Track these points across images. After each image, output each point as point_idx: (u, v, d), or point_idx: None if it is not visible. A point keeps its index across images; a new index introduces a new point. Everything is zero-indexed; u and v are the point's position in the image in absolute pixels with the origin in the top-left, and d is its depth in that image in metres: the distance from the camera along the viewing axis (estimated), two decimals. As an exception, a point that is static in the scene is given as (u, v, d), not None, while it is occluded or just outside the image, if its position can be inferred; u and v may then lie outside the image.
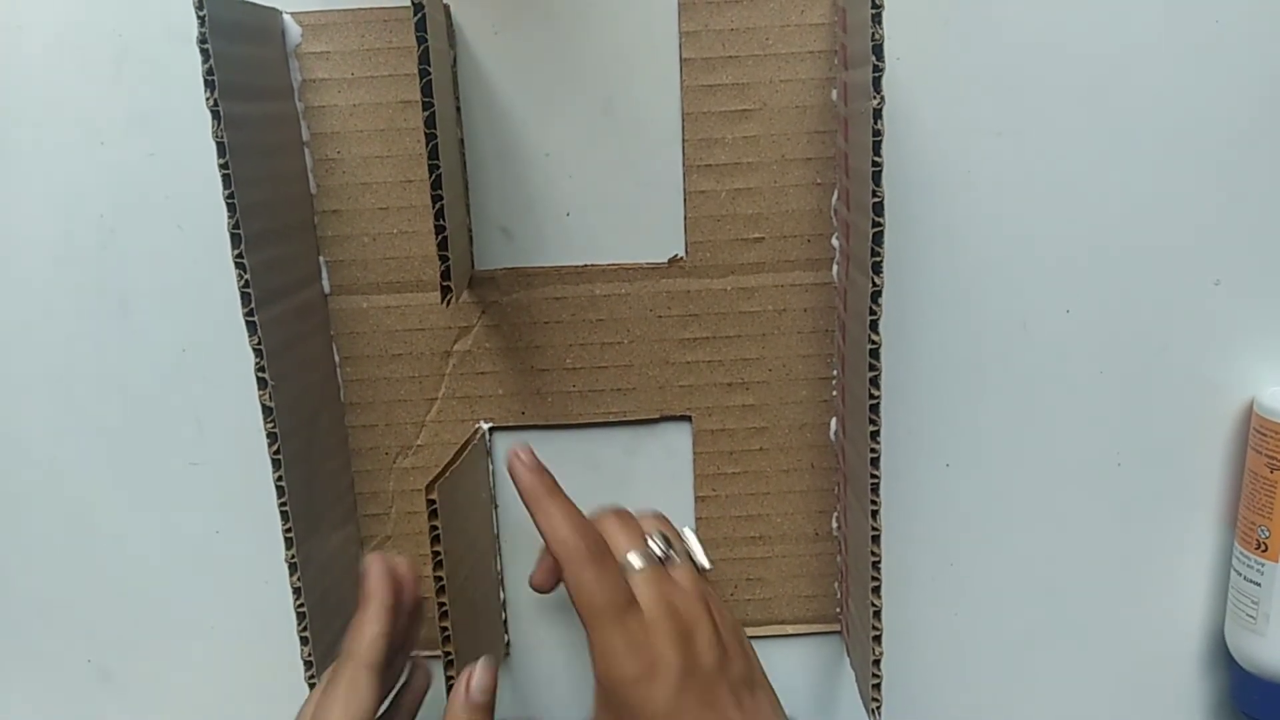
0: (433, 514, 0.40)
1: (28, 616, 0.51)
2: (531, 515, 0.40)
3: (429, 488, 0.40)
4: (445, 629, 0.41)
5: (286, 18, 0.43)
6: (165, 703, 0.53)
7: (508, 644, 0.51)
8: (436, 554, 0.40)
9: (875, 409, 0.39)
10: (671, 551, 0.41)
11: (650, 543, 0.41)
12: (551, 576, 0.42)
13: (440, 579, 0.40)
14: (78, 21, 0.44)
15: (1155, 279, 0.47)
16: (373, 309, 0.47)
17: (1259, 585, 0.47)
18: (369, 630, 0.41)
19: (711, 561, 0.43)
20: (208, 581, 0.51)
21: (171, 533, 0.50)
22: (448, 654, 0.41)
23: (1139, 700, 0.53)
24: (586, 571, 0.38)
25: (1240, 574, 0.48)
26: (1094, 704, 0.53)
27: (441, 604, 0.40)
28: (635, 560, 0.40)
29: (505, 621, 0.51)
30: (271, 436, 0.39)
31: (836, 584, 0.50)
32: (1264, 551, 0.47)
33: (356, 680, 0.40)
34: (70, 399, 0.48)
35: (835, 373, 0.47)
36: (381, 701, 0.40)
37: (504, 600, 0.51)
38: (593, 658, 0.38)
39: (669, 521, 0.44)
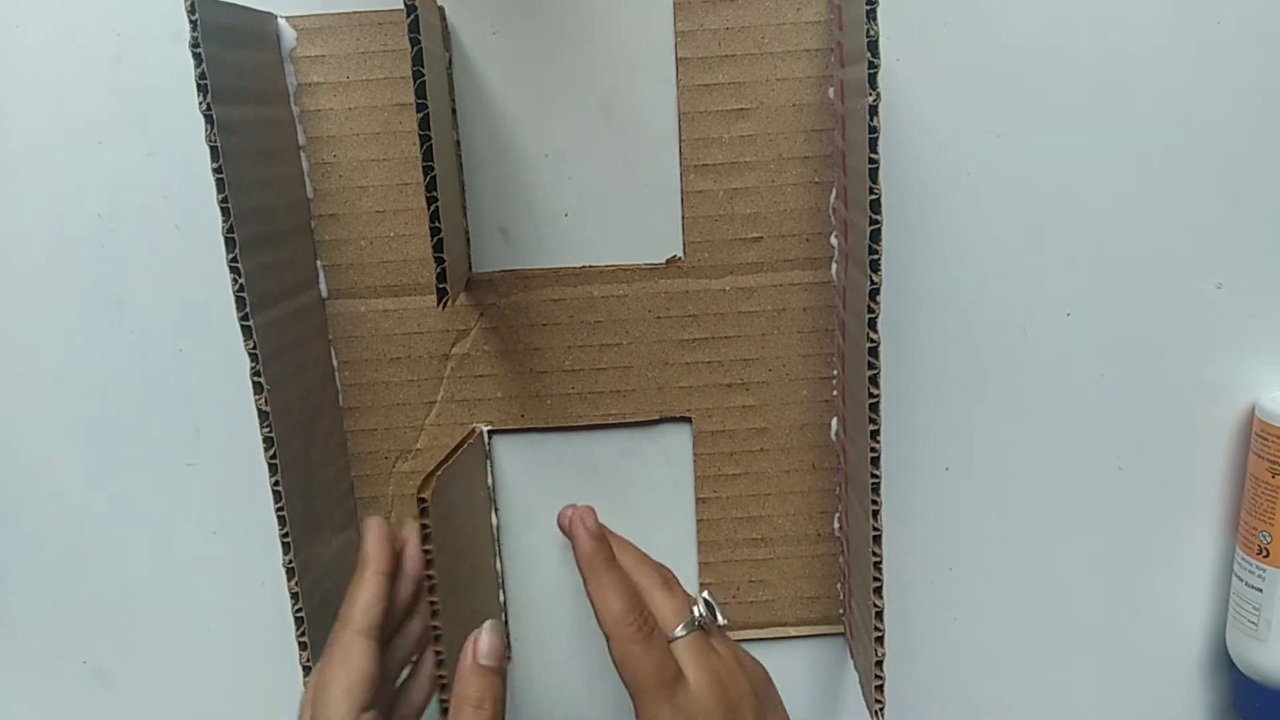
0: (423, 513, 0.39)
1: (23, 617, 0.51)
2: (585, 582, 0.41)
3: (420, 487, 0.40)
4: (436, 628, 0.40)
5: (281, 22, 0.43)
6: (161, 705, 0.52)
7: (509, 645, 0.51)
8: (428, 552, 0.40)
9: (874, 408, 0.38)
10: (711, 617, 0.42)
11: (694, 610, 0.42)
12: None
13: (431, 578, 0.40)
14: (76, 21, 0.44)
15: (1156, 282, 0.47)
16: (370, 312, 0.47)
17: (1260, 591, 0.47)
18: (362, 595, 0.41)
19: (727, 617, 0.44)
20: (204, 583, 0.50)
21: (168, 534, 0.50)
22: (438, 653, 0.41)
23: (1140, 705, 0.52)
24: (637, 647, 0.39)
25: (1241, 579, 0.48)
26: (1095, 708, 0.52)
27: (433, 603, 0.40)
28: (681, 630, 0.41)
29: (506, 623, 0.51)
30: (268, 441, 0.39)
31: (839, 585, 0.50)
32: (1265, 557, 0.47)
33: (349, 648, 0.40)
34: (67, 398, 0.48)
35: (835, 372, 0.47)
36: (378, 665, 0.40)
37: (504, 601, 0.51)
38: None
39: (677, 580, 0.44)
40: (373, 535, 0.43)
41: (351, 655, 0.40)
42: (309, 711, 0.41)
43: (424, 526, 0.39)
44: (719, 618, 0.43)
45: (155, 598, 0.51)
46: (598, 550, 0.42)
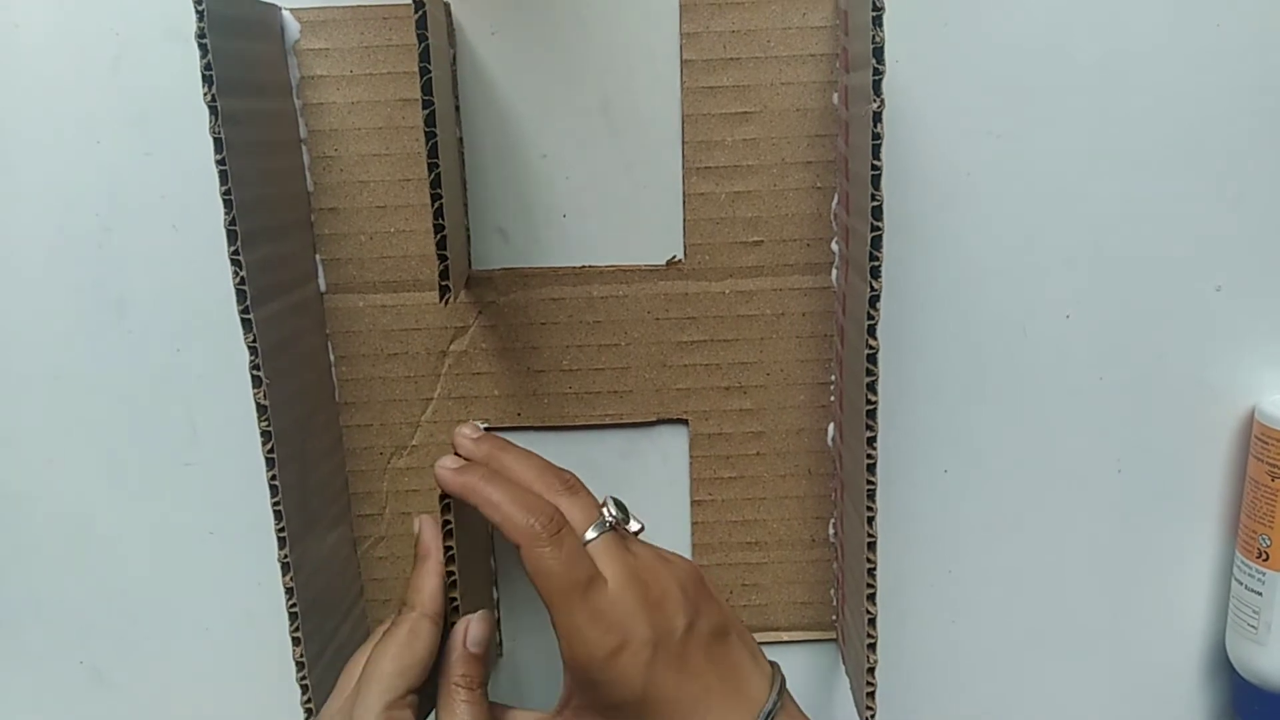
0: (445, 509, 0.40)
1: (20, 616, 0.51)
2: (480, 510, 0.39)
3: None
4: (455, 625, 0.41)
5: (285, 14, 0.43)
6: (158, 704, 0.52)
7: (500, 643, 0.51)
8: (449, 548, 0.40)
9: (872, 414, 0.38)
10: (623, 518, 0.40)
11: (604, 511, 0.40)
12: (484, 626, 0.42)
13: (452, 574, 0.40)
14: (74, 20, 0.44)
15: (1156, 284, 0.47)
16: (369, 308, 0.46)
17: (1260, 594, 0.47)
18: (428, 583, 0.42)
19: (641, 521, 0.42)
20: (201, 582, 0.50)
21: (165, 533, 0.50)
22: None
23: (1139, 710, 0.52)
24: (546, 548, 0.38)
25: (1241, 583, 0.48)
26: (1094, 712, 0.53)
27: (453, 599, 0.41)
28: (592, 533, 0.39)
29: (499, 620, 0.51)
30: (265, 435, 0.39)
31: (833, 591, 0.50)
32: (1265, 560, 0.47)
33: (417, 629, 0.41)
34: (65, 398, 0.48)
35: (833, 378, 0.47)
36: (436, 652, 0.41)
37: (497, 599, 0.51)
38: (559, 638, 0.38)
39: (582, 485, 0.43)
40: (429, 530, 0.43)
41: (418, 637, 0.41)
42: (351, 682, 0.41)
43: (446, 522, 0.40)
44: (632, 522, 0.41)
45: (153, 597, 0.51)
46: (470, 477, 0.40)
